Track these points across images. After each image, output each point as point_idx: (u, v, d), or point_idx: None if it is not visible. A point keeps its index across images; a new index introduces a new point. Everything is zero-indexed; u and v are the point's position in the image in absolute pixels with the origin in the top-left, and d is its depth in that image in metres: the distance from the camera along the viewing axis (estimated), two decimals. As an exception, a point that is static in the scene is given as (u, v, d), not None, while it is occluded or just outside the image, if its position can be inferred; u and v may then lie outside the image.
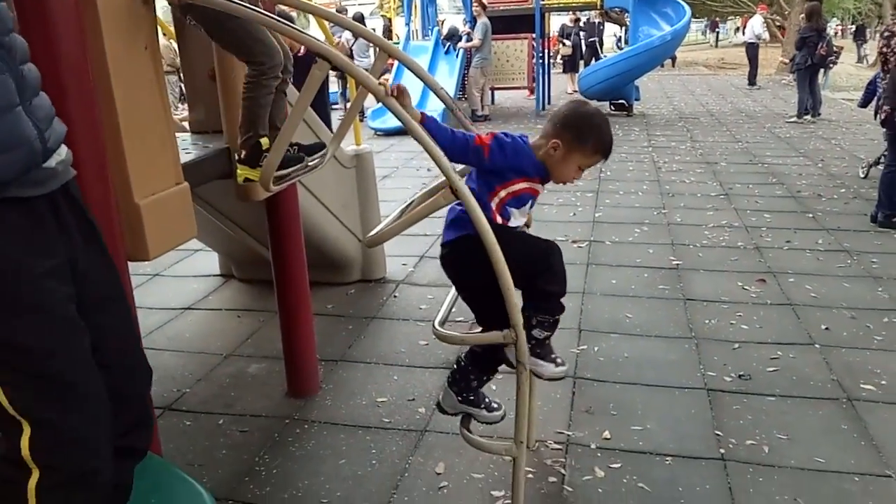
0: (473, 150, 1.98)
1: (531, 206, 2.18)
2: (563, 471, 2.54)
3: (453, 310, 2.29)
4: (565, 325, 3.71)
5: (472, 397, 2.27)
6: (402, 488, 2.48)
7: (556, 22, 24.67)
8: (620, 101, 12.09)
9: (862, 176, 6.81)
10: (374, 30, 12.96)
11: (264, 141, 2.45)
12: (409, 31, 12.61)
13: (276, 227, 2.95)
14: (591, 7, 12.74)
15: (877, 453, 2.57)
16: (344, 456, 2.67)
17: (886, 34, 5.03)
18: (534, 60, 12.24)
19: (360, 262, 4.41)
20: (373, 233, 2.20)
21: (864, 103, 7.03)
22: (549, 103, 13.64)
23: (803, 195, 6.29)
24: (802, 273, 4.39)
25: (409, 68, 2.42)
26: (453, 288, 2.31)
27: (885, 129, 5.29)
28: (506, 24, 11.79)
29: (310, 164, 2.61)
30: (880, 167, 5.85)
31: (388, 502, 2.41)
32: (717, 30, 39.99)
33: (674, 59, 25.95)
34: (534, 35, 11.84)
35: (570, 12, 15.33)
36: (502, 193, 2.05)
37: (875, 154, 6.78)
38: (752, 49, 16.74)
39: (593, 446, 2.68)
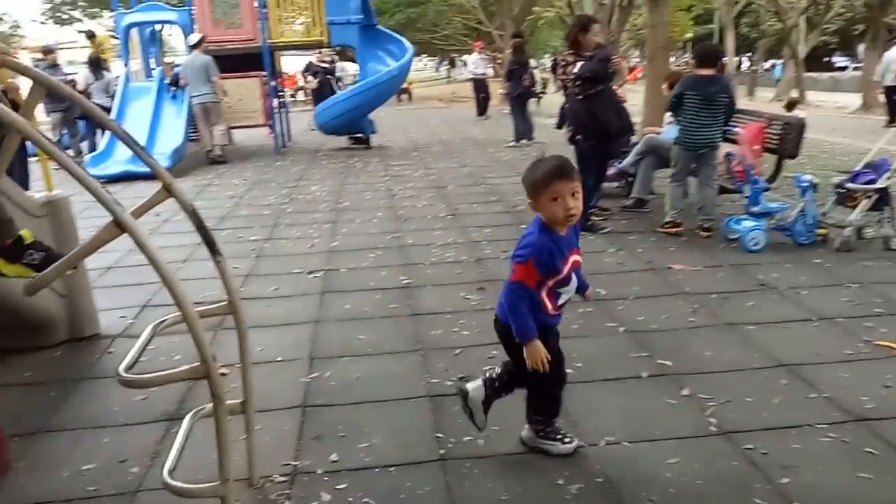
0: (522, 288, 2.38)
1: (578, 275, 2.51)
2: (287, 502, 2.48)
3: (143, 357, 2.14)
4: (295, 356, 3.70)
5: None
6: (107, 558, 2.24)
7: (295, 60, 24.82)
8: (358, 136, 12.43)
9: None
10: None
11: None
12: (127, 72, 11.86)
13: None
14: (319, 46, 12.96)
15: (572, 427, 2.85)
16: (38, 537, 2.36)
17: (562, 62, 5.71)
18: (269, 98, 12.13)
19: (66, 320, 3.97)
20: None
21: (559, 126, 7.95)
22: (289, 140, 13.61)
23: (519, 209, 6.91)
24: (516, 278, 4.80)
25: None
26: (146, 331, 2.20)
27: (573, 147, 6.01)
28: (235, 63, 11.56)
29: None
30: None
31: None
32: (449, 66, 43.16)
33: (410, 93, 27.43)
34: (265, 73, 11.73)
35: (318, 51, 15.40)
36: (550, 283, 2.41)
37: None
38: (476, 83, 18.18)
39: (320, 472, 2.65)
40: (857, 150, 10.11)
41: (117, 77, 12.16)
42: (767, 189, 5.65)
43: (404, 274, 5.01)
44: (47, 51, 12.56)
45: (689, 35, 40.65)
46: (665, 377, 3.29)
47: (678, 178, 5.89)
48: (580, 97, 5.55)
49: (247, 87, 11.70)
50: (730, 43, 30.91)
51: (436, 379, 3.36)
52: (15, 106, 4.57)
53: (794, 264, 4.94)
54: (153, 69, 12.56)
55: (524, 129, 11.99)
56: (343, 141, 12.73)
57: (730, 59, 32.26)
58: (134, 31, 12.38)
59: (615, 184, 7.23)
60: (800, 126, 5.84)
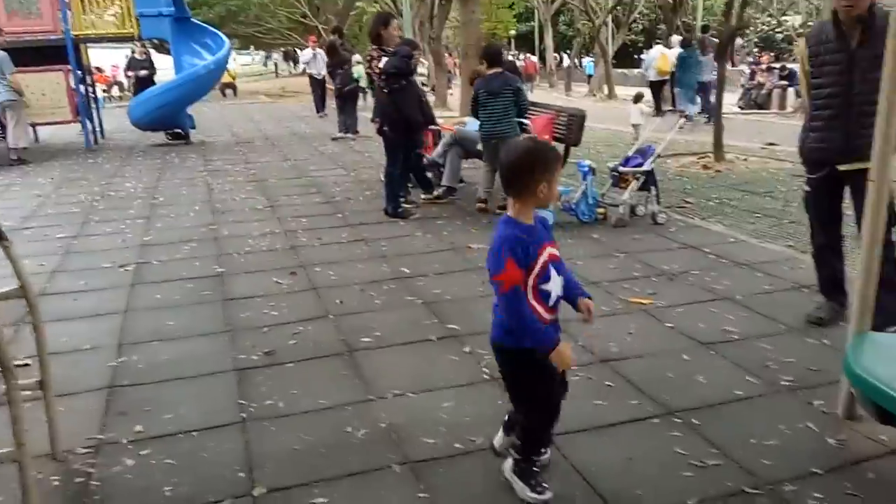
0: (518, 293, 2.17)
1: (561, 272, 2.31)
2: (91, 470, 2.62)
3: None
4: (103, 343, 3.77)
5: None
6: None
7: (104, 54, 23.35)
8: (177, 131, 12.12)
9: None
10: None
11: None
12: None
13: None
14: (128, 38, 12.45)
15: (365, 385, 3.21)
16: None
17: (368, 58, 6.08)
18: (76, 94, 11.50)
19: None
20: None
21: (373, 118, 8.31)
22: (102, 137, 12.98)
23: (336, 199, 7.22)
24: (328, 262, 5.10)
25: None
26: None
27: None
28: (34, 56, 10.85)
29: None
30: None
31: None
32: (285, 61, 42.06)
33: (235, 88, 26.75)
34: (69, 67, 11.11)
35: (139, 43, 14.61)
36: (530, 281, 2.20)
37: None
38: (312, 80, 18.08)
39: (124, 441, 2.81)
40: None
41: None
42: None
43: (217, 263, 5.15)
44: None
45: (512, 32, 42.85)
46: (451, 339, 3.74)
47: (487, 163, 6.50)
48: (386, 91, 5.95)
49: (50, 81, 11.01)
50: (549, 40, 33.06)
51: (243, 355, 3.59)
52: None
53: (575, 239, 5.63)
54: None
55: (349, 123, 12.29)
56: (161, 137, 12.35)
57: (550, 56, 34.57)
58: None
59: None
60: (581, 118, 6.61)
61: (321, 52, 15.09)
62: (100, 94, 21.43)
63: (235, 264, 5.13)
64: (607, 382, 3.22)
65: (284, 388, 3.21)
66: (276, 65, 40.84)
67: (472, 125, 6.99)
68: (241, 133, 13.82)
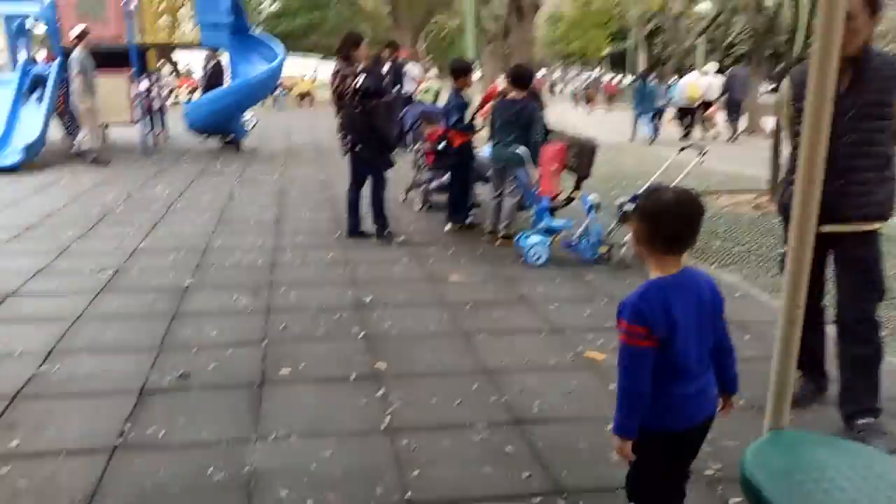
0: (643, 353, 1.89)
1: None
2: (-63, 487, 2.60)
3: None
4: (34, 349, 3.78)
5: None
6: None
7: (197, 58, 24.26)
8: (230, 138, 12.43)
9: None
10: None
11: None
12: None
13: None
14: (190, 46, 12.89)
15: (254, 423, 3.08)
16: None
17: (341, 75, 5.92)
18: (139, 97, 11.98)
19: None
20: None
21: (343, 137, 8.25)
22: (165, 140, 13.42)
23: (345, 217, 7.13)
24: (297, 283, 5.02)
25: None
26: None
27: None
28: (101, 60, 11.39)
29: None
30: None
31: None
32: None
33: (312, 97, 27.21)
34: (131, 71, 11.57)
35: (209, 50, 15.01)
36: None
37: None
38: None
39: (-11, 458, 2.78)
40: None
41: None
42: (553, 208, 6.07)
43: (192, 275, 5.15)
44: None
45: (605, 52, 42.23)
46: (370, 380, 3.55)
47: (494, 188, 6.33)
48: (358, 109, 5.84)
49: (113, 84, 11.50)
50: (641, 60, 32.27)
51: (156, 375, 3.53)
52: None
53: (564, 279, 5.33)
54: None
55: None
56: (217, 142, 12.71)
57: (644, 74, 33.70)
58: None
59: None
60: (591, 149, 6.31)
61: (411, 66, 14.76)
62: (183, 98, 22.46)
63: (207, 278, 5.12)
64: (508, 447, 2.95)
65: (174, 416, 3.12)
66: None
67: (486, 150, 6.81)
68: (295, 143, 14.04)
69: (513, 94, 6.14)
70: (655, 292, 1.93)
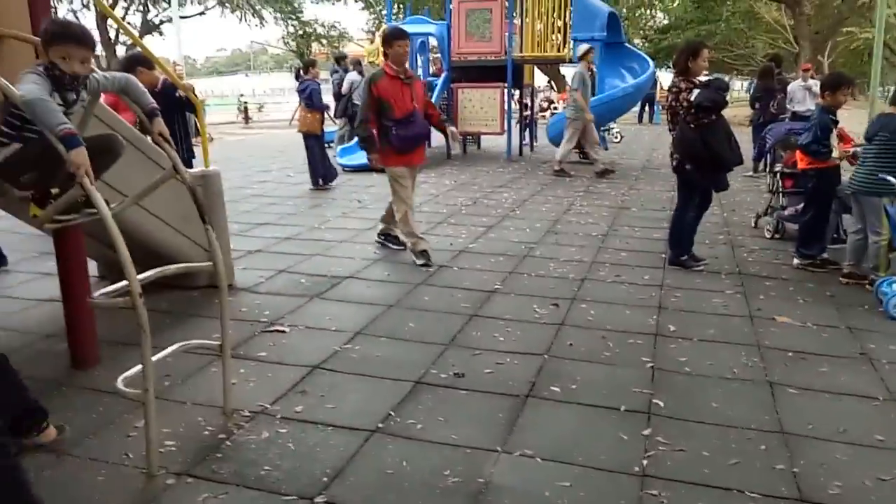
0: None
1: None
2: (235, 431, 3.04)
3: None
4: (345, 328, 4.23)
5: None
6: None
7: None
8: (585, 151, 12.52)
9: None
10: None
11: (55, 190, 3.08)
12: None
13: (60, 244, 3.65)
14: (561, 60, 13.31)
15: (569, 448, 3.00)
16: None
17: (675, 90, 5.42)
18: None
19: (208, 270, 4.99)
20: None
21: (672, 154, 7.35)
22: (531, 150, 14.13)
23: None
24: (598, 301, 4.82)
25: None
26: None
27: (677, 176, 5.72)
28: (480, 74, 12.52)
29: (89, 213, 3.15)
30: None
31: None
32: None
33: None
34: (505, 85, 12.43)
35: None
36: None
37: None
38: None
39: (279, 417, 3.17)
40: None
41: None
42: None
43: (501, 280, 5.28)
44: (339, 57, 14.87)
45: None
46: (641, 414, 3.22)
47: (855, 220, 5.39)
48: (692, 125, 5.30)
49: (489, 96, 12.52)
50: None
51: (435, 369, 3.68)
52: (189, 102, 5.79)
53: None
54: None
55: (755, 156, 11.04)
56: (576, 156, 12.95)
57: None
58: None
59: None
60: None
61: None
62: (561, 110, 23.38)
63: (515, 284, 5.20)
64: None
65: (435, 412, 3.22)
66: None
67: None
68: (655, 158, 13.60)
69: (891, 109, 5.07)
70: None
